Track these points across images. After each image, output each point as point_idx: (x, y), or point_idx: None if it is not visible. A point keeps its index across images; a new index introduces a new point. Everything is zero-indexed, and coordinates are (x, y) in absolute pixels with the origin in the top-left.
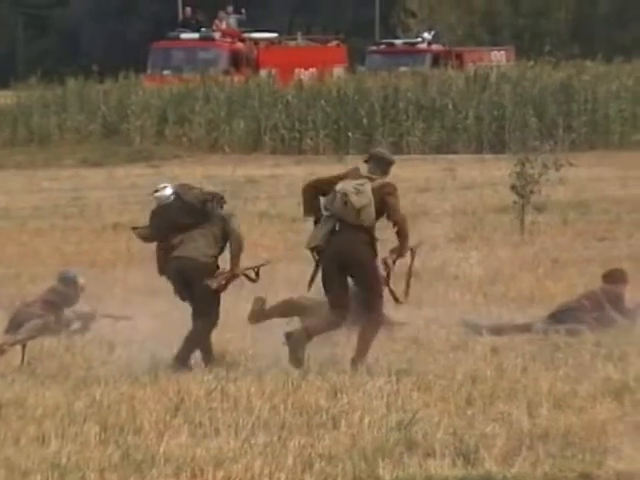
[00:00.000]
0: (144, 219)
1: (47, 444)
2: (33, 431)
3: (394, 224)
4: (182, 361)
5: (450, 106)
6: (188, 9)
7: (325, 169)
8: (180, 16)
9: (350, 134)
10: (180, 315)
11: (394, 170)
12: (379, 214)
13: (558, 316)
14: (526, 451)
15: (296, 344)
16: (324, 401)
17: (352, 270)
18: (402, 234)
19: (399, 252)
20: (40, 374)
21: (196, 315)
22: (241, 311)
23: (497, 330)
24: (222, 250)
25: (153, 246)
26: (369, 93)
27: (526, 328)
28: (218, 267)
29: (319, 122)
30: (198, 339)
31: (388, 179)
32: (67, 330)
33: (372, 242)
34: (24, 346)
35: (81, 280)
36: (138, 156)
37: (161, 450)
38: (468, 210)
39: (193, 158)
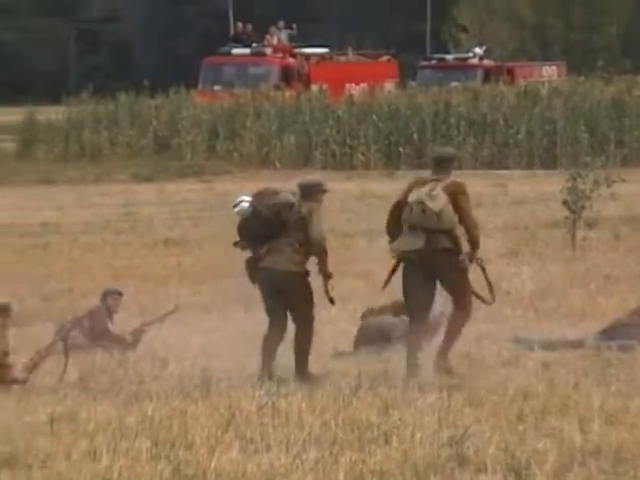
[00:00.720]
0: (195, 234)
1: (99, 459)
2: (85, 446)
3: (465, 230)
4: (303, 375)
5: (501, 121)
6: (239, 24)
7: (376, 184)
8: (231, 31)
9: (401, 149)
10: (232, 330)
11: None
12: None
13: (610, 332)
14: (578, 467)
15: (413, 369)
16: (375, 417)
17: (441, 279)
18: (473, 242)
19: (469, 259)
20: (92, 389)
21: (298, 323)
22: (290, 327)
23: (549, 346)
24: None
25: (203, 262)
26: (420, 108)
27: (578, 344)
28: (308, 272)
29: (370, 137)
30: (307, 345)
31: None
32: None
33: (456, 246)
34: (66, 356)
35: (119, 290)
36: (189, 171)
37: (212, 465)
38: (520, 225)
39: (244, 173)
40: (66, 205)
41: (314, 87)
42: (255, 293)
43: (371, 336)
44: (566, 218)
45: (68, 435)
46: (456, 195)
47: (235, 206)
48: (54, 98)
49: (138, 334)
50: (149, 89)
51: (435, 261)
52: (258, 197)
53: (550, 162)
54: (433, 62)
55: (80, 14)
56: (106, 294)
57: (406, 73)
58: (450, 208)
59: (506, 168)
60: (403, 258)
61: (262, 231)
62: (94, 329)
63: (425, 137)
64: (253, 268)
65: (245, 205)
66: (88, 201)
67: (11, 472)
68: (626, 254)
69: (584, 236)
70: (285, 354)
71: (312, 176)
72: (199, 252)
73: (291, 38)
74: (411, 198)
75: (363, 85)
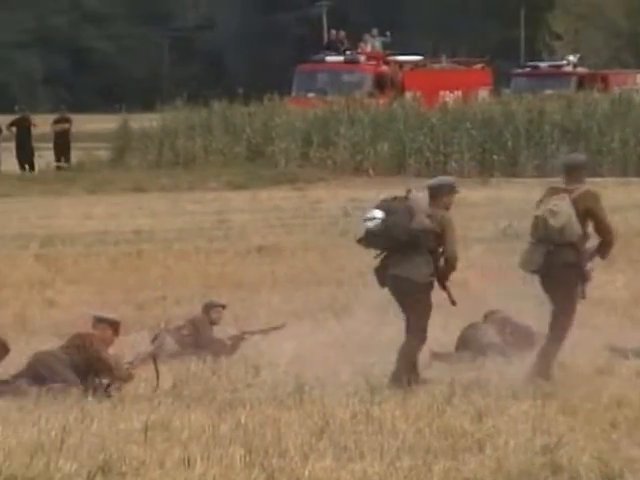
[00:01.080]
0: (288, 242)
1: (192, 467)
2: (178, 454)
3: (601, 238)
4: (398, 380)
5: (595, 129)
6: (333, 32)
7: (470, 192)
8: (325, 38)
9: (495, 157)
10: (325, 337)
11: (540, 192)
12: (584, 222)
13: None
14: None
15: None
16: (469, 425)
17: (551, 289)
18: (605, 249)
19: (597, 254)
20: (186, 397)
21: (409, 331)
22: (385, 334)
23: None
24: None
25: (296, 269)
26: (514, 116)
27: None
28: (432, 284)
29: (464, 145)
30: (411, 355)
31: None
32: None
33: (578, 261)
34: (156, 368)
35: (221, 302)
36: (283, 179)
37: (306, 473)
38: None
39: (337, 181)
40: (159, 212)
41: (408, 94)
42: (349, 301)
43: (469, 343)
44: None
45: (162, 443)
46: (588, 207)
47: (367, 220)
48: (147, 106)
49: (237, 341)
50: (243, 96)
51: (554, 275)
52: (391, 214)
53: None
54: (527, 70)
55: (174, 22)
56: (209, 307)
57: (500, 81)
58: (574, 221)
59: (600, 176)
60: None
61: (391, 244)
62: (197, 338)
63: (519, 145)
64: (382, 276)
65: (378, 222)
66: (182, 208)
67: None
68: None
69: None
70: (377, 362)
71: (442, 176)
72: (292, 259)
73: (385, 45)
74: (538, 211)
75: (457, 93)
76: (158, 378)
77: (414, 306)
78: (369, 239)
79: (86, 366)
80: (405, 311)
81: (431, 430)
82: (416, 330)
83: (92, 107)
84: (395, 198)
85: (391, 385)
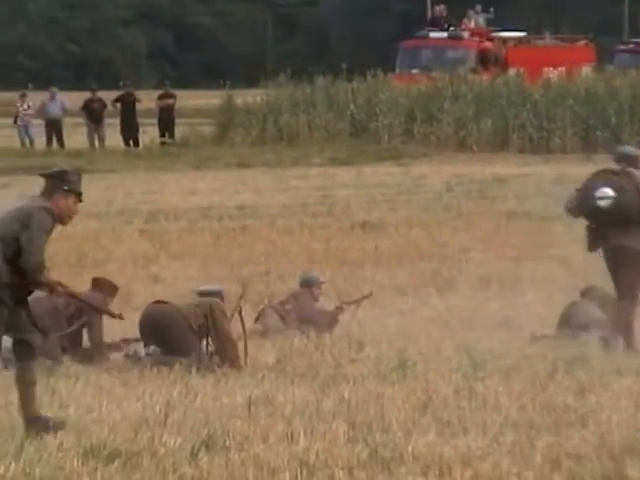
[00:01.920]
0: (391, 217)
1: (296, 442)
2: (282, 429)
3: None
4: (632, 346)
5: None
6: (437, 8)
7: (573, 168)
8: (429, 15)
9: (598, 133)
10: (428, 313)
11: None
12: None
13: None
14: None
15: None
16: (572, 400)
17: None
18: None
19: None
20: (289, 372)
21: (621, 298)
22: (487, 310)
23: None
24: None
25: (400, 245)
26: (617, 92)
27: None
28: None
29: (567, 121)
30: (628, 321)
31: None
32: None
33: None
34: (242, 320)
35: (321, 279)
36: (386, 154)
37: (409, 448)
38: None
39: (441, 156)
40: (263, 188)
41: (511, 71)
42: (453, 276)
43: (572, 320)
44: None
45: (265, 418)
46: None
47: (599, 199)
48: (251, 82)
49: (337, 313)
50: (346, 72)
51: None
52: (621, 192)
53: None
54: (630, 46)
55: None
56: (310, 282)
57: (603, 57)
58: None
59: None
60: None
61: (619, 221)
62: (300, 313)
63: (622, 121)
64: (592, 240)
65: (611, 201)
66: (285, 184)
67: (209, 454)
68: None
69: None
70: (481, 337)
71: (626, 146)
72: (396, 235)
73: (488, 22)
74: None
75: (560, 69)
76: (245, 340)
77: (630, 274)
78: (598, 216)
79: (202, 334)
80: (623, 280)
81: (534, 406)
82: (633, 296)
83: (196, 83)
84: (614, 172)
85: (628, 349)
